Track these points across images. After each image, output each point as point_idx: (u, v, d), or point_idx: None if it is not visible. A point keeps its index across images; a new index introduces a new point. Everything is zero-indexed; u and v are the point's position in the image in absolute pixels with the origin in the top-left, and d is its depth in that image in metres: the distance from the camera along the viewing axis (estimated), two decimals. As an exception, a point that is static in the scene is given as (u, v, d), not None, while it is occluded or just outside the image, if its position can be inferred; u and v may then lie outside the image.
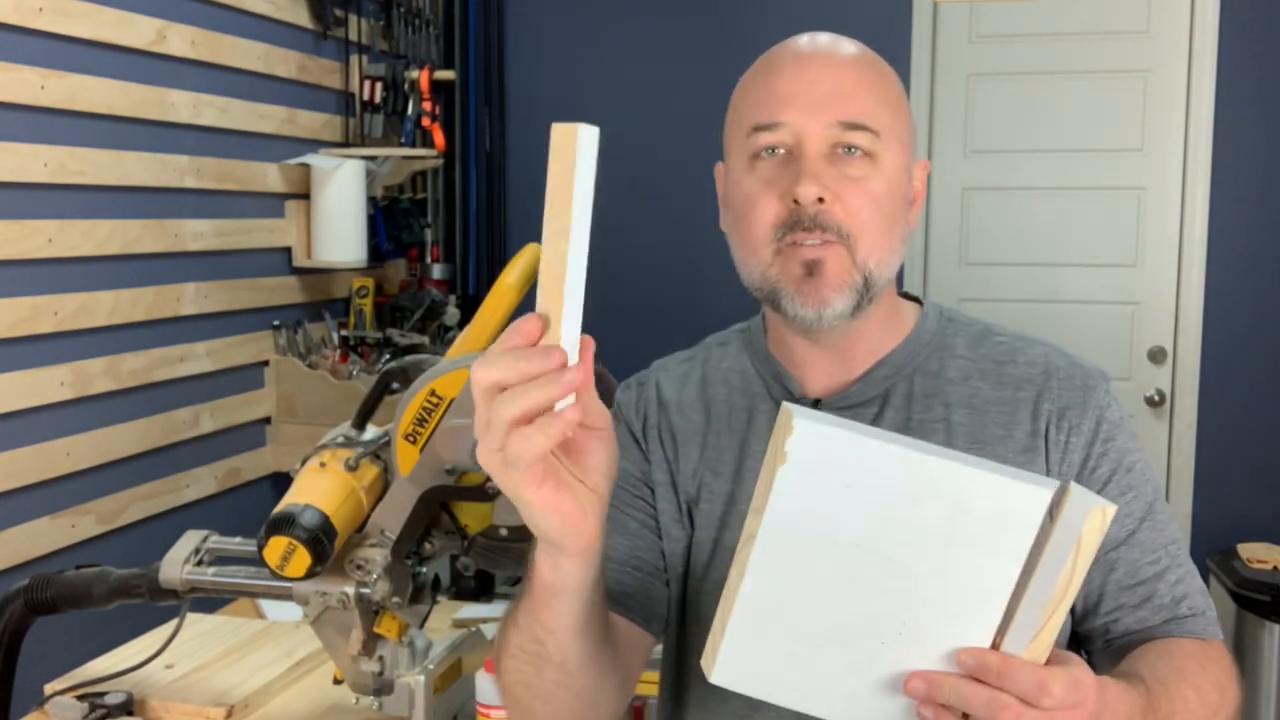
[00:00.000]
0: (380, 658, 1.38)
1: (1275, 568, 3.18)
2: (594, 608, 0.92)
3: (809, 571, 0.74)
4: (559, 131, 0.74)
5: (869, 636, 0.74)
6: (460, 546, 1.35)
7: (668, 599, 1.12)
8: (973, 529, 0.72)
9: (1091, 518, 0.71)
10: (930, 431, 1.06)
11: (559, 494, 0.77)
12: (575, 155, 0.74)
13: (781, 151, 1.02)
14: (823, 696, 0.76)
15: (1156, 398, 3.55)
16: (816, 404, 1.08)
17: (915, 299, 1.15)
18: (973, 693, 0.73)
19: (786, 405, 0.74)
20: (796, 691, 0.76)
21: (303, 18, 3.23)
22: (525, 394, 0.71)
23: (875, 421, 1.06)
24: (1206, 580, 3.32)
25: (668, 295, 3.71)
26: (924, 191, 1.10)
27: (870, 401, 1.08)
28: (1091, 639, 1.07)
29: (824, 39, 1.06)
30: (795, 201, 0.99)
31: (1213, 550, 3.39)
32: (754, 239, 1.03)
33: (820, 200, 0.99)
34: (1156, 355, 3.56)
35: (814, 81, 1.02)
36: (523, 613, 0.93)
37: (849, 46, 1.06)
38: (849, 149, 1.01)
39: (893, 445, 0.72)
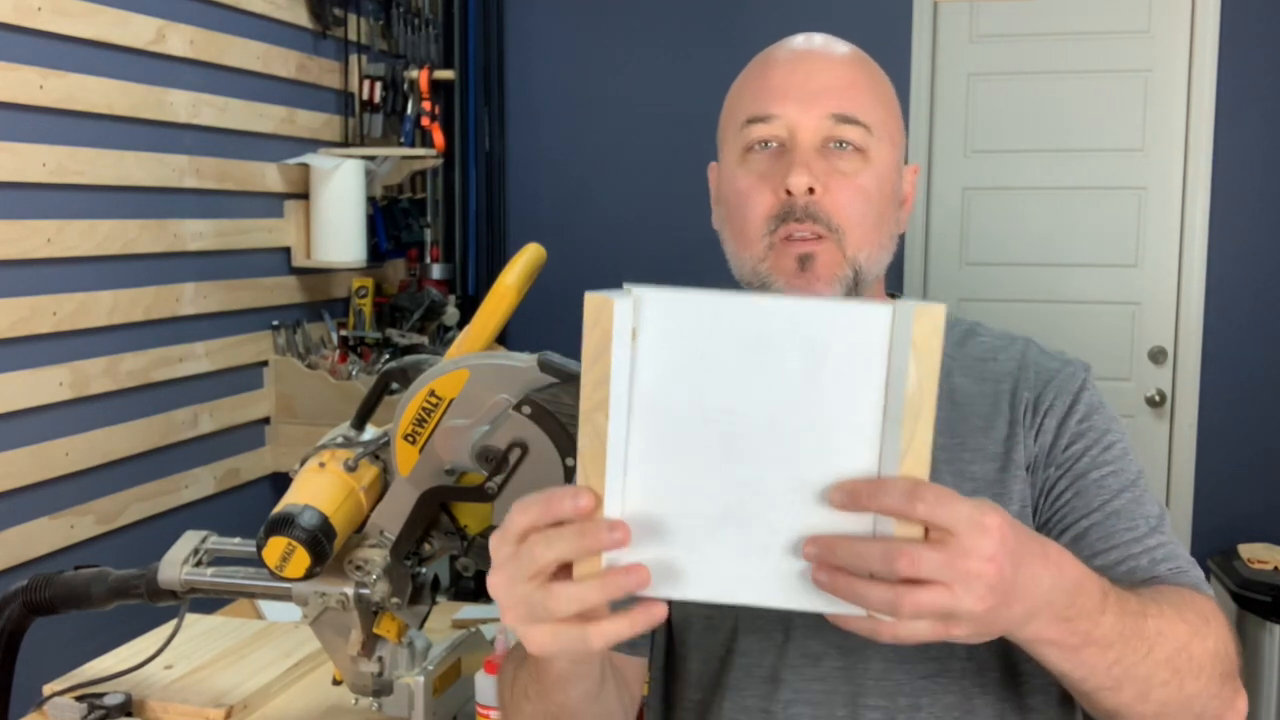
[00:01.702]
0: (379, 658, 1.38)
1: (1275, 568, 3.18)
2: (604, 676, 0.93)
3: (687, 451, 0.73)
4: (592, 302, 0.72)
5: (760, 505, 0.73)
6: (460, 547, 1.34)
7: None
8: (830, 366, 0.72)
9: (919, 319, 0.70)
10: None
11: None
12: (612, 326, 0.71)
13: (774, 145, 1.03)
14: (729, 583, 0.74)
15: (1157, 398, 3.55)
16: None
17: None
18: (866, 548, 0.70)
19: (626, 285, 0.73)
20: (703, 584, 0.74)
21: (302, 17, 3.22)
22: (586, 591, 0.72)
23: None
24: (1207, 580, 3.32)
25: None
26: (913, 195, 1.12)
27: None
28: None
29: (819, 38, 1.08)
30: (787, 192, 1.00)
31: (1213, 550, 3.39)
32: (747, 232, 1.03)
33: (811, 191, 1.00)
34: (1157, 355, 3.55)
35: (809, 74, 1.03)
36: (533, 689, 0.94)
37: (843, 46, 1.08)
38: (840, 144, 1.02)
39: (737, 295, 0.73)
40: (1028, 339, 1.12)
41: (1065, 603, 0.78)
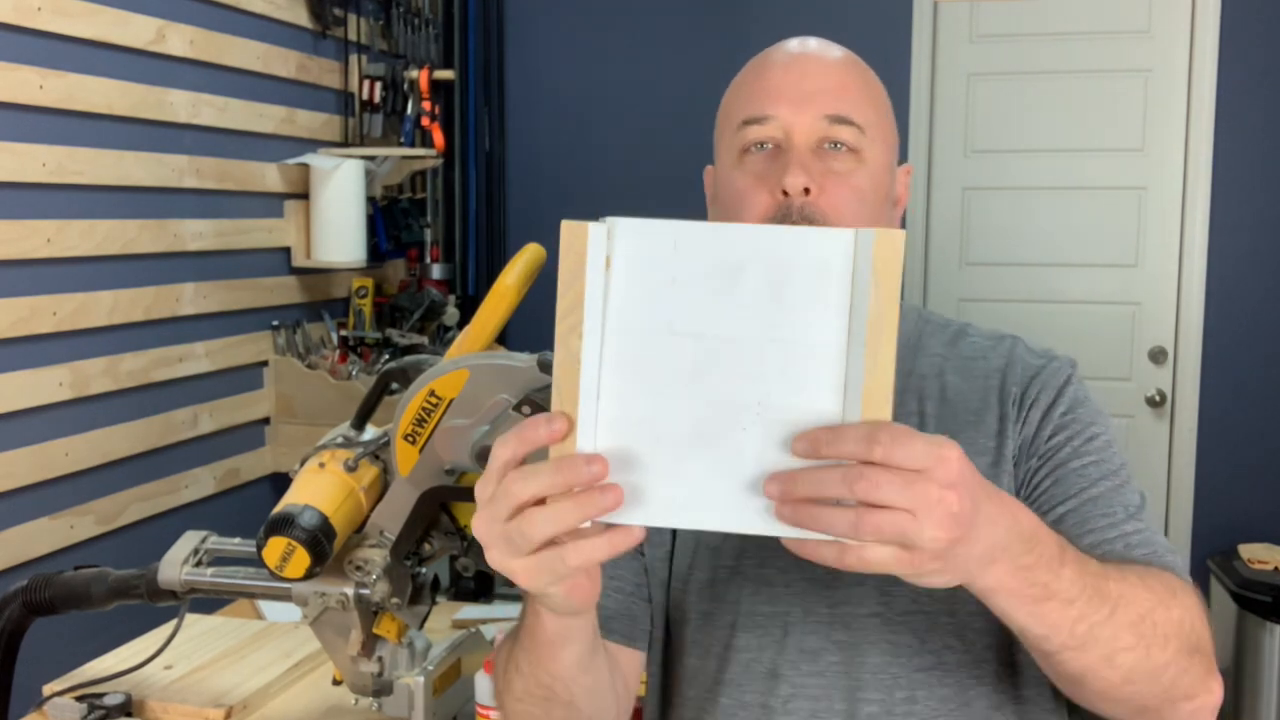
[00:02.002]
0: (379, 659, 1.38)
1: (1275, 568, 3.18)
2: (596, 646, 0.93)
3: (657, 374, 0.74)
4: (567, 228, 0.74)
5: (725, 427, 0.74)
6: (460, 547, 1.34)
7: (650, 613, 1.13)
8: (794, 289, 0.73)
9: (879, 243, 0.72)
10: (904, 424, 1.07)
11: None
12: (586, 250, 0.74)
13: (770, 146, 1.05)
14: (695, 509, 0.75)
15: (1157, 398, 3.55)
16: None
17: None
18: (827, 475, 0.70)
19: (604, 219, 0.75)
20: (670, 509, 0.75)
21: (302, 17, 3.22)
22: (561, 513, 0.72)
23: None
24: (1207, 580, 3.32)
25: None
26: (907, 195, 1.14)
27: None
28: None
29: (813, 42, 1.10)
30: (784, 193, 1.02)
31: (1213, 550, 3.39)
32: None
33: (806, 192, 1.02)
34: (1157, 355, 3.55)
35: (803, 76, 1.06)
36: (525, 660, 0.95)
37: (836, 50, 1.10)
38: (835, 144, 1.04)
39: (707, 223, 0.76)
40: (1015, 337, 1.14)
41: (1023, 549, 0.79)
